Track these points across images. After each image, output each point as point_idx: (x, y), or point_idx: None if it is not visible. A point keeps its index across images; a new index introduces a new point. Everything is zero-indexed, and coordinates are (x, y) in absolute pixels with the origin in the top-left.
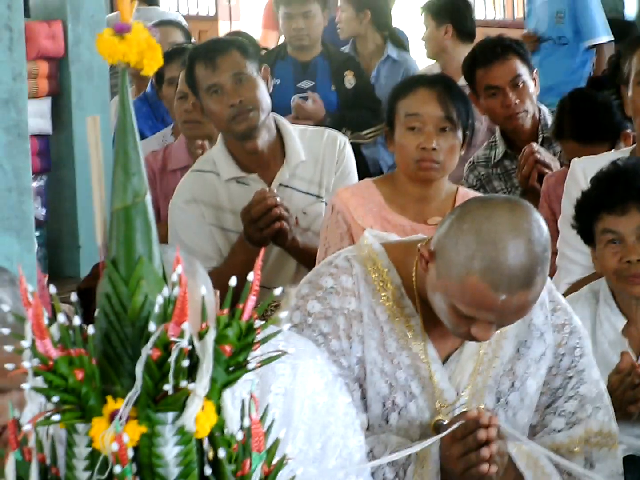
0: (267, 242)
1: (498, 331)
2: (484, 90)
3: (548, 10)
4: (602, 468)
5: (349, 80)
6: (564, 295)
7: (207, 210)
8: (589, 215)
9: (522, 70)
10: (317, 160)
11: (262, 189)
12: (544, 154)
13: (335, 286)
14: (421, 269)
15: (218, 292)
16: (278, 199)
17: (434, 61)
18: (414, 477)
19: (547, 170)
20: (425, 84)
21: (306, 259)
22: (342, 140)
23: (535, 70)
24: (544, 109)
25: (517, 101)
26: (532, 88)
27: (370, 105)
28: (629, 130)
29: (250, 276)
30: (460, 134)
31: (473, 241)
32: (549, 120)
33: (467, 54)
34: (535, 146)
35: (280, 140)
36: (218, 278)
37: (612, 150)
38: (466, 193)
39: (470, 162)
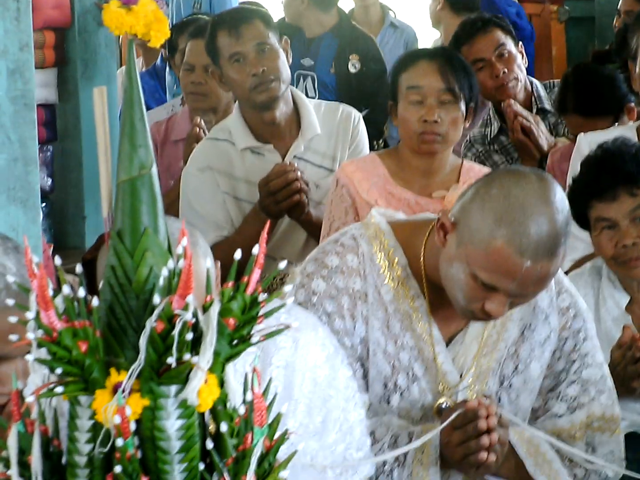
0: (283, 214)
1: None
2: (471, 65)
3: None
4: (604, 452)
5: (354, 64)
6: (568, 271)
7: (221, 178)
8: (581, 203)
9: (506, 40)
10: (332, 134)
11: (283, 162)
12: (520, 108)
13: (341, 265)
14: (438, 242)
15: (219, 263)
16: (299, 173)
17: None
18: (414, 462)
19: (526, 123)
20: (426, 56)
21: (317, 231)
22: (357, 116)
23: (520, 43)
24: (536, 81)
25: (505, 70)
26: (519, 59)
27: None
28: (632, 104)
29: (256, 249)
30: (462, 105)
31: (501, 205)
32: (542, 92)
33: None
34: (512, 101)
35: (296, 112)
36: (229, 248)
37: (617, 125)
38: (471, 166)
39: (466, 140)
